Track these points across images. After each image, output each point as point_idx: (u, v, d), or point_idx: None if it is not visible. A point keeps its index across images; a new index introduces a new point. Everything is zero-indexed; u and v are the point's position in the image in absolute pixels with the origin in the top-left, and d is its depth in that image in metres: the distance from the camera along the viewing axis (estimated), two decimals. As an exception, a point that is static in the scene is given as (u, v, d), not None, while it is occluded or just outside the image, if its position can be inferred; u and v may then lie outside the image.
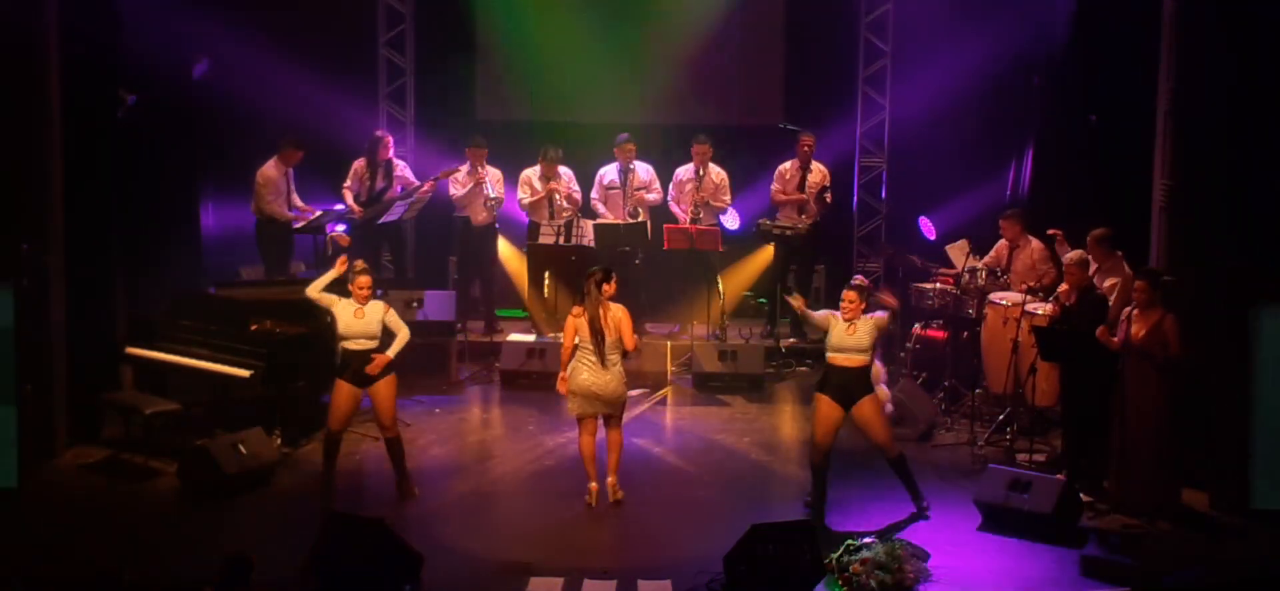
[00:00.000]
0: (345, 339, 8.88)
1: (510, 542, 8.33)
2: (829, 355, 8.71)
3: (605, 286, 8.79)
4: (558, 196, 12.33)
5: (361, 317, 8.89)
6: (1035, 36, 12.50)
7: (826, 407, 8.68)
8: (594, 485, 8.88)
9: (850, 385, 8.66)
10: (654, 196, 12.60)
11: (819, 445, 8.72)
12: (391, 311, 9.06)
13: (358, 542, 7.46)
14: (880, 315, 8.79)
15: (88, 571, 7.46)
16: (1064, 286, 9.57)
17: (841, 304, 8.69)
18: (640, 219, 12.48)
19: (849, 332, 8.64)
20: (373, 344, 8.89)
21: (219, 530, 8.36)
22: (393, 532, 7.58)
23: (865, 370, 8.73)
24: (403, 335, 9.00)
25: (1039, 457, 9.75)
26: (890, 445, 8.82)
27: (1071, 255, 9.54)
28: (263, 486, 9.12)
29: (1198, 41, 9.24)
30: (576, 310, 8.87)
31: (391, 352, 8.92)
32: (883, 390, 9.01)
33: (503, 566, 7.91)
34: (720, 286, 12.31)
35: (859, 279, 8.95)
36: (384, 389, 8.91)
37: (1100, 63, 11.44)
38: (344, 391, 8.88)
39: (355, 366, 8.86)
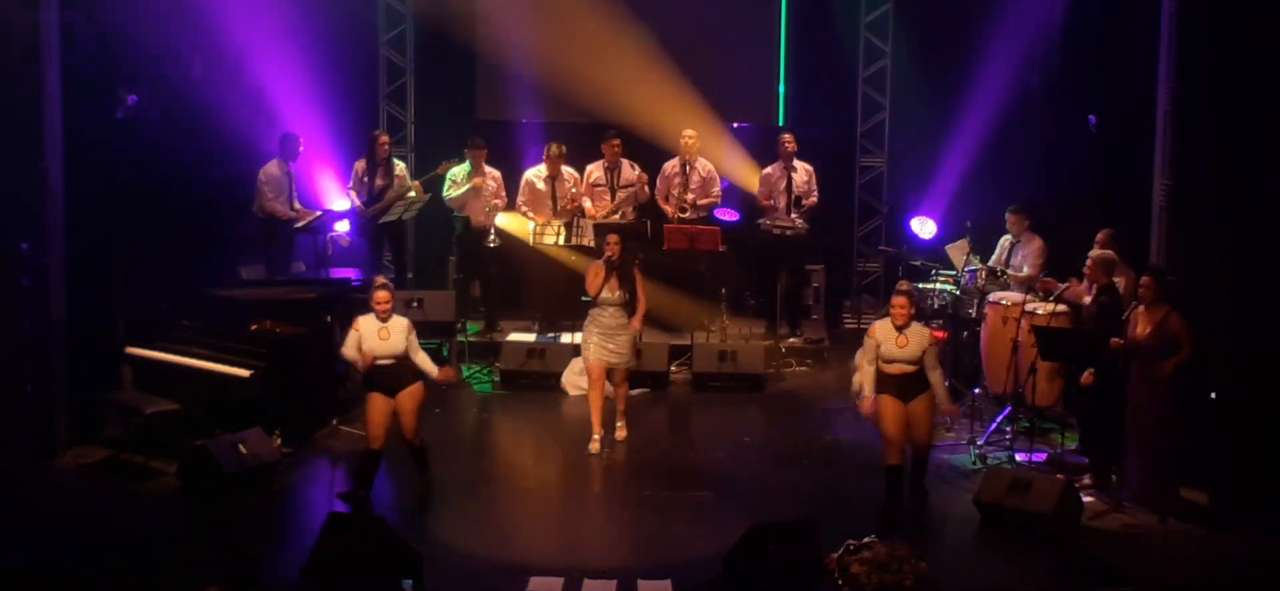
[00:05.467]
0: (374, 359, 8.89)
1: (510, 542, 8.33)
2: (882, 366, 8.76)
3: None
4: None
5: (386, 338, 8.91)
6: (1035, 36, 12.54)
7: (889, 405, 8.70)
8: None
9: (907, 385, 8.71)
10: (643, 197, 12.62)
11: (893, 441, 8.71)
12: (413, 333, 9.08)
13: (358, 542, 7.46)
14: (933, 330, 8.90)
15: (88, 571, 7.47)
16: (1082, 284, 9.57)
17: (892, 309, 8.79)
18: (628, 219, 12.46)
19: (899, 344, 8.68)
20: (400, 357, 8.93)
21: (219, 530, 8.36)
22: (393, 532, 7.58)
23: (920, 374, 8.76)
24: (428, 367, 9.08)
25: (1039, 458, 9.75)
26: (927, 445, 8.84)
27: (1097, 254, 9.46)
28: (263, 486, 9.11)
29: (1198, 41, 9.24)
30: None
31: (422, 362, 9.04)
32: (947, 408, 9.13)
33: (503, 566, 7.91)
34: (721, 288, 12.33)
35: (904, 283, 9.06)
36: (408, 401, 8.93)
37: (1100, 63, 11.44)
38: (378, 403, 8.88)
39: (383, 380, 8.89)
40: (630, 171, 12.62)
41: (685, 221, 12.29)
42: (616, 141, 12.56)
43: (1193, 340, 8.65)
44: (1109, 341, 8.90)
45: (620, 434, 10.01)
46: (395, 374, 8.90)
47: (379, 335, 8.90)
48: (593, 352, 9.90)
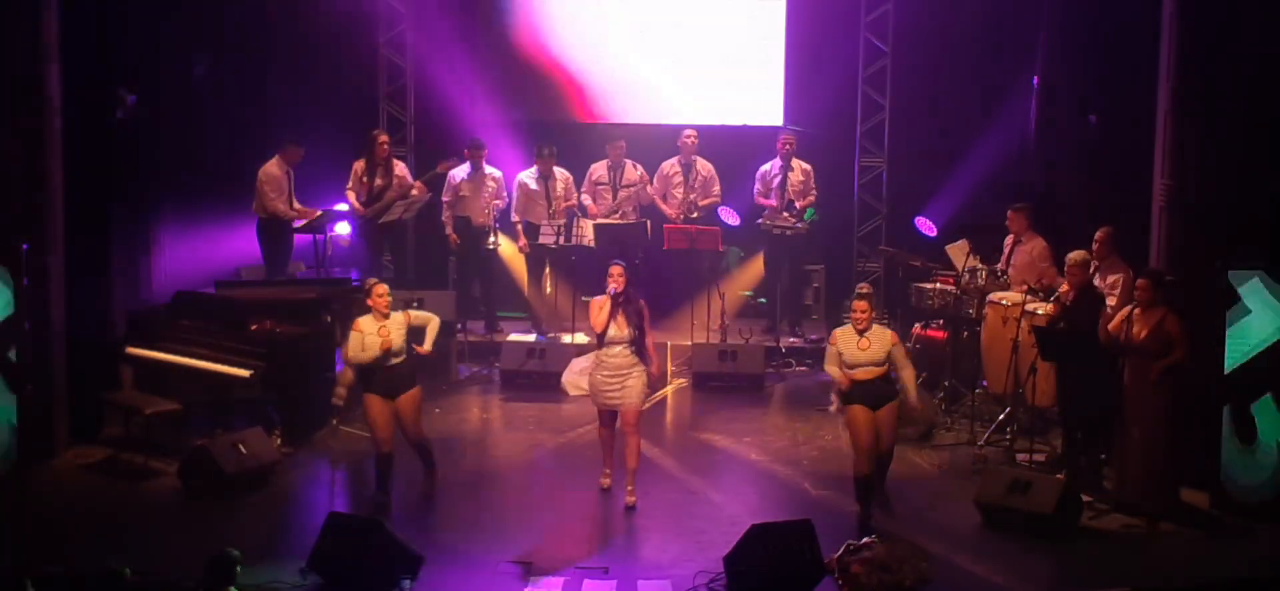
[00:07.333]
0: (375, 359, 8.72)
1: (510, 542, 8.32)
2: (849, 372, 8.64)
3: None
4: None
5: (386, 335, 8.71)
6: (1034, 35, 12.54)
7: (861, 413, 8.56)
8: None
9: (876, 391, 8.61)
10: (645, 198, 12.63)
11: (865, 449, 8.55)
12: (411, 311, 9.02)
13: (358, 542, 7.47)
14: (892, 333, 8.78)
15: (88, 571, 7.46)
16: (1064, 286, 9.57)
17: (851, 315, 8.67)
18: (630, 220, 12.47)
19: (861, 347, 8.58)
20: (400, 359, 8.79)
21: (219, 530, 8.35)
22: (392, 532, 7.59)
23: (887, 379, 8.67)
24: (433, 322, 9.02)
25: (1039, 457, 9.74)
26: (889, 453, 8.75)
27: (1073, 256, 9.50)
28: (263, 486, 9.11)
29: (1198, 38, 9.24)
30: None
31: (428, 344, 8.95)
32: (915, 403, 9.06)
33: (503, 566, 7.91)
34: (720, 286, 12.31)
35: (864, 286, 8.94)
36: (408, 405, 8.81)
37: (1100, 62, 11.44)
38: (379, 405, 8.74)
39: (382, 382, 8.74)
40: (633, 172, 12.65)
41: (687, 222, 12.31)
42: (621, 142, 12.61)
43: (1187, 343, 8.64)
44: (1098, 336, 8.89)
45: (630, 499, 8.92)
46: (394, 376, 8.77)
47: (380, 334, 8.72)
48: (600, 397, 8.96)
